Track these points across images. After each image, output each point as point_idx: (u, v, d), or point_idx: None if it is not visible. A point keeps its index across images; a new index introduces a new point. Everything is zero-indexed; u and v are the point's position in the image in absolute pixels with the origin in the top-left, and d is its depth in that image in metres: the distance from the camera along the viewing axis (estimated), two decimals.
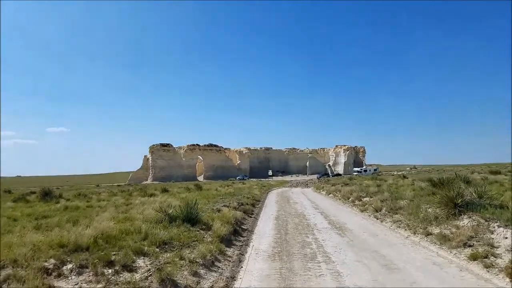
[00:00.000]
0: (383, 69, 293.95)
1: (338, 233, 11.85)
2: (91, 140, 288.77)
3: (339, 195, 24.95)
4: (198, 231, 10.24)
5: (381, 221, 13.87)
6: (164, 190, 29.27)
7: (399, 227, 12.30)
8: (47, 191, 24.66)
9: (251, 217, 16.20)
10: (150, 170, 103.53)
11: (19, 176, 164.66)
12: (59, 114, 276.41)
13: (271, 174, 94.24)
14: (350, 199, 21.53)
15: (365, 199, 19.73)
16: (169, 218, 10.76)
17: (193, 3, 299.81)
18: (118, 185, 64.60)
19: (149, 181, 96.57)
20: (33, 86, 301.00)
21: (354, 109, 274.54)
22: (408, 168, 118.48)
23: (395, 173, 76.71)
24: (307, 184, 51.98)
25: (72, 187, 64.35)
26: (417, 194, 16.39)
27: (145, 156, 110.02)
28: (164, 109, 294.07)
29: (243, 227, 13.24)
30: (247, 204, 19.05)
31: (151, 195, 25.53)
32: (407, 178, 34.98)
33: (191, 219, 10.75)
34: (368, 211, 16.45)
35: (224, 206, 15.95)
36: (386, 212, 14.85)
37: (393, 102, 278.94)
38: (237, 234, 11.63)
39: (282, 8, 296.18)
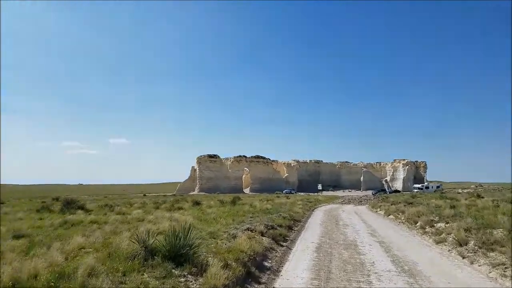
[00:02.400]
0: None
1: (409, 282, 7.47)
2: (149, 151, 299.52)
3: (402, 217, 19.85)
4: (183, 277, 6.40)
5: (471, 262, 9.37)
6: (196, 203, 26.05)
7: (504, 275, 7.71)
8: (69, 201, 23.08)
9: (282, 245, 11.91)
10: (197, 181, 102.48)
11: (81, 184, 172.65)
12: (120, 124, 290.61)
13: (320, 188, 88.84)
14: (418, 223, 16.55)
15: (438, 225, 14.89)
16: (147, 252, 7.07)
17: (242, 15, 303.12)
18: (164, 195, 63.51)
19: (195, 192, 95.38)
20: (97, 95, 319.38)
21: (410, 123, 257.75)
22: (473, 186, 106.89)
23: (460, 191, 68.41)
24: (360, 201, 46.11)
25: (121, 196, 64.49)
26: None
27: (192, 167, 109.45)
28: (213, 119, 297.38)
29: (265, 263, 9.15)
30: (282, 226, 14.84)
31: (177, 209, 22.59)
32: (483, 197, 28.93)
33: (177, 255, 6.95)
34: (446, 243, 11.85)
35: (248, 229, 11.99)
36: (476, 247, 10.26)
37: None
38: (251, 278, 7.60)
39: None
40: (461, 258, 9.88)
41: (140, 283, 5.65)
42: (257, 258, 8.94)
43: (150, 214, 17.59)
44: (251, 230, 11.88)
